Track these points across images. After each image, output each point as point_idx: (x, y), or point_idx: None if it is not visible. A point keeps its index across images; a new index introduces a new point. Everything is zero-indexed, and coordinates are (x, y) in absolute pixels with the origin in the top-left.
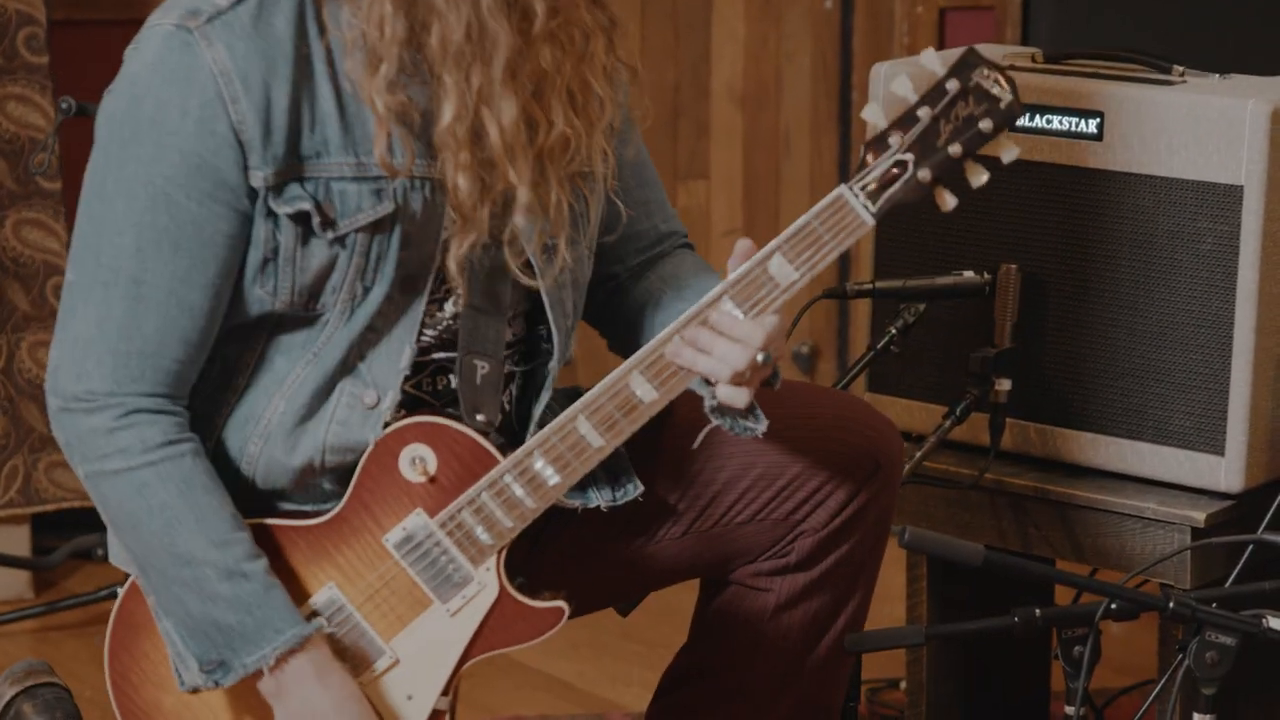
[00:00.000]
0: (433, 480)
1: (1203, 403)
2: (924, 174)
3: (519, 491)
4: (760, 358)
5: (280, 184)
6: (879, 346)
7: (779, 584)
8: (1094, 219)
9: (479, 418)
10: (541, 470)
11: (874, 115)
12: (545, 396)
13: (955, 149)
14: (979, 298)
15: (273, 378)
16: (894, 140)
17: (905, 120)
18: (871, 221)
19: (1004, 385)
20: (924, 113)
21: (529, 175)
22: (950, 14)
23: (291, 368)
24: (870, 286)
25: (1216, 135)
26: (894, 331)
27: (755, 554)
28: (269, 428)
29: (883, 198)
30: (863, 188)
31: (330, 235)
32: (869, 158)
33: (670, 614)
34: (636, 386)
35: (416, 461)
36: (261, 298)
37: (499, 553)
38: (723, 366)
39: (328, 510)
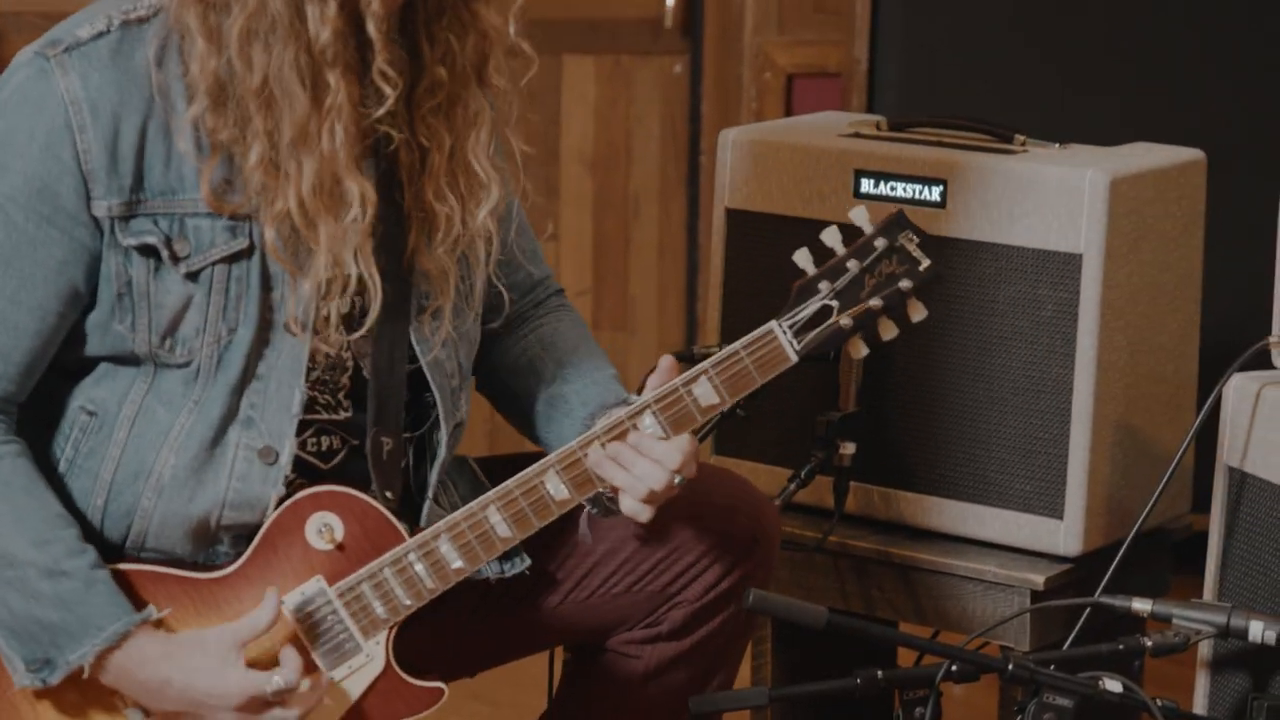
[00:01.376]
0: (339, 548)
1: (1043, 467)
2: (845, 321)
3: (420, 570)
4: (676, 480)
5: (126, 216)
6: (725, 410)
7: (648, 652)
8: (937, 285)
9: (388, 495)
10: (446, 554)
11: (804, 261)
12: (438, 466)
13: (875, 302)
14: (824, 361)
15: (156, 429)
16: (823, 286)
17: (834, 270)
18: (795, 359)
19: (848, 449)
20: (852, 265)
21: (335, 243)
22: (798, 80)
23: (174, 418)
24: (717, 349)
25: (1056, 204)
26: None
27: (629, 623)
28: (160, 481)
29: (808, 337)
30: (790, 325)
31: (183, 270)
32: (797, 297)
33: (517, 673)
34: (550, 485)
35: (324, 529)
36: (122, 334)
37: (391, 628)
38: (640, 485)
39: (224, 568)
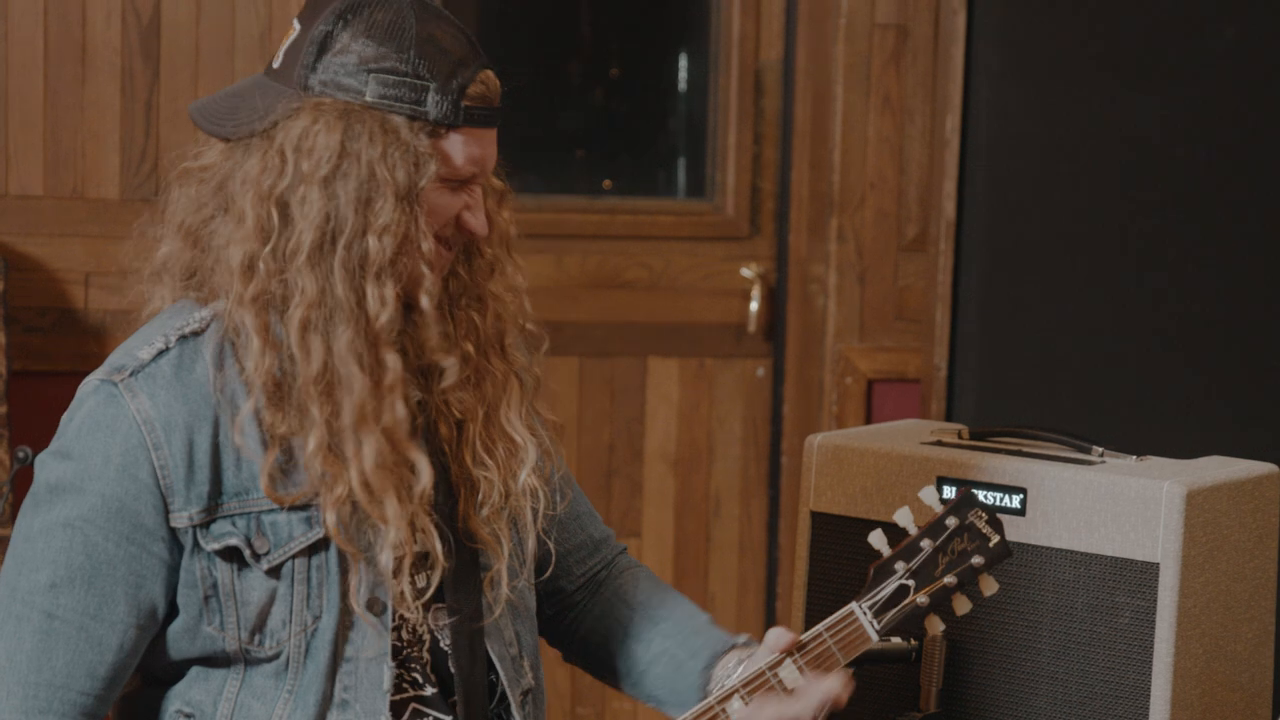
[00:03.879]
0: None
1: None
2: (922, 600)
3: None
4: None
5: (207, 522)
6: None
7: None
8: (1016, 590)
9: None
10: None
11: (879, 542)
12: None
13: (950, 579)
14: (906, 663)
15: None
16: (899, 567)
17: (909, 550)
18: (876, 638)
19: None
20: (926, 544)
21: (400, 519)
22: (878, 385)
23: (271, 710)
24: None
25: (1134, 514)
26: None
27: None
28: None
29: (887, 616)
30: (870, 606)
31: (265, 566)
32: (875, 578)
33: None
34: None
35: None
36: (212, 635)
37: None
38: None
39: None
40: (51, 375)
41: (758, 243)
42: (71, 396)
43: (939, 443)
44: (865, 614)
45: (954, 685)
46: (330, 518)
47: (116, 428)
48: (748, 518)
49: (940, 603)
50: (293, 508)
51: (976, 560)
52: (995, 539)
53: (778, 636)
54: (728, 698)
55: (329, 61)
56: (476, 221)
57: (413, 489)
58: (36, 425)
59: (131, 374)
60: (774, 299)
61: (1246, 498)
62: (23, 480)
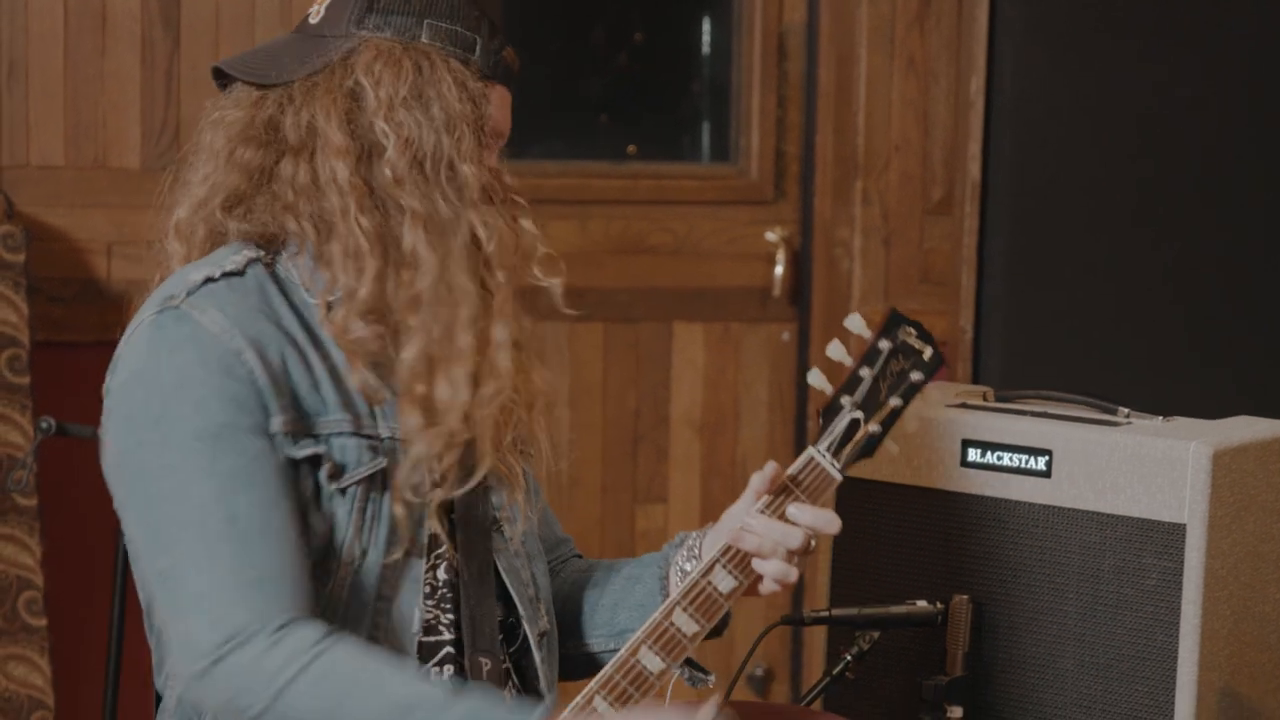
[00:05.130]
0: None
1: None
2: (875, 428)
3: None
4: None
5: (293, 433)
6: (835, 672)
7: None
8: (1043, 553)
9: None
10: None
11: (819, 381)
12: (542, 678)
13: (896, 401)
14: (931, 626)
15: None
16: (845, 402)
17: (851, 383)
18: (840, 477)
19: (955, 713)
20: (865, 373)
21: (486, 435)
22: None
23: None
24: (826, 614)
25: (1160, 475)
26: (849, 658)
27: None
28: None
29: (844, 453)
30: (827, 448)
31: (335, 487)
32: (826, 419)
33: None
34: (645, 659)
35: None
36: None
37: None
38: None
39: None
40: (74, 346)
41: (782, 206)
42: (95, 367)
43: (964, 405)
44: (825, 456)
45: (980, 649)
46: (412, 417)
47: (198, 339)
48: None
49: (891, 426)
50: (360, 434)
51: (915, 376)
52: (929, 351)
53: (742, 508)
54: (709, 569)
55: (380, 10)
56: (513, 181)
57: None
58: (59, 396)
59: (189, 294)
60: (799, 263)
61: (1274, 458)
62: (47, 450)
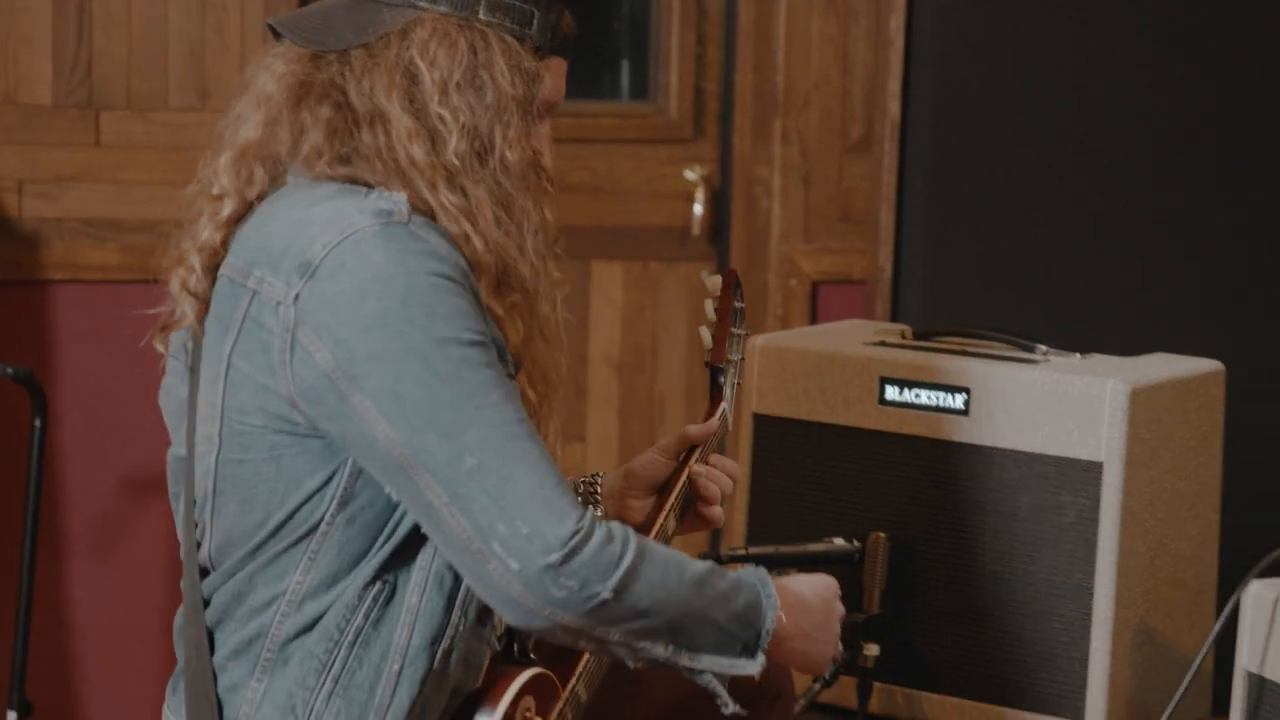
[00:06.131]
0: None
1: (1064, 670)
2: (736, 381)
3: (570, 717)
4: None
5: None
6: None
7: None
8: (961, 491)
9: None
10: (580, 692)
11: (707, 337)
12: None
13: (739, 356)
14: (849, 564)
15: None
16: (732, 359)
17: (731, 342)
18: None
19: (872, 650)
20: (735, 331)
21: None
22: (823, 287)
23: (457, 586)
24: (744, 552)
25: (1078, 413)
26: None
27: None
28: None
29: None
30: (728, 410)
31: None
32: (719, 376)
33: None
34: None
35: (527, 714)
36: None
37: None
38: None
39: None
40: None
41: (702, 145)
42: (5, 304)
43: (882, 343)
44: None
45: (898, 586)
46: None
47: (436, 254)
48: (692, 421)
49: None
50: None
51: (743, 331)
52: (741, 304)
53: (660, 456)
54: (665, 513)
55: None
56: (549, 160)
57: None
58: None
59: (409, 218)
60: (718, 202)
61: (1191, 395)
62: None
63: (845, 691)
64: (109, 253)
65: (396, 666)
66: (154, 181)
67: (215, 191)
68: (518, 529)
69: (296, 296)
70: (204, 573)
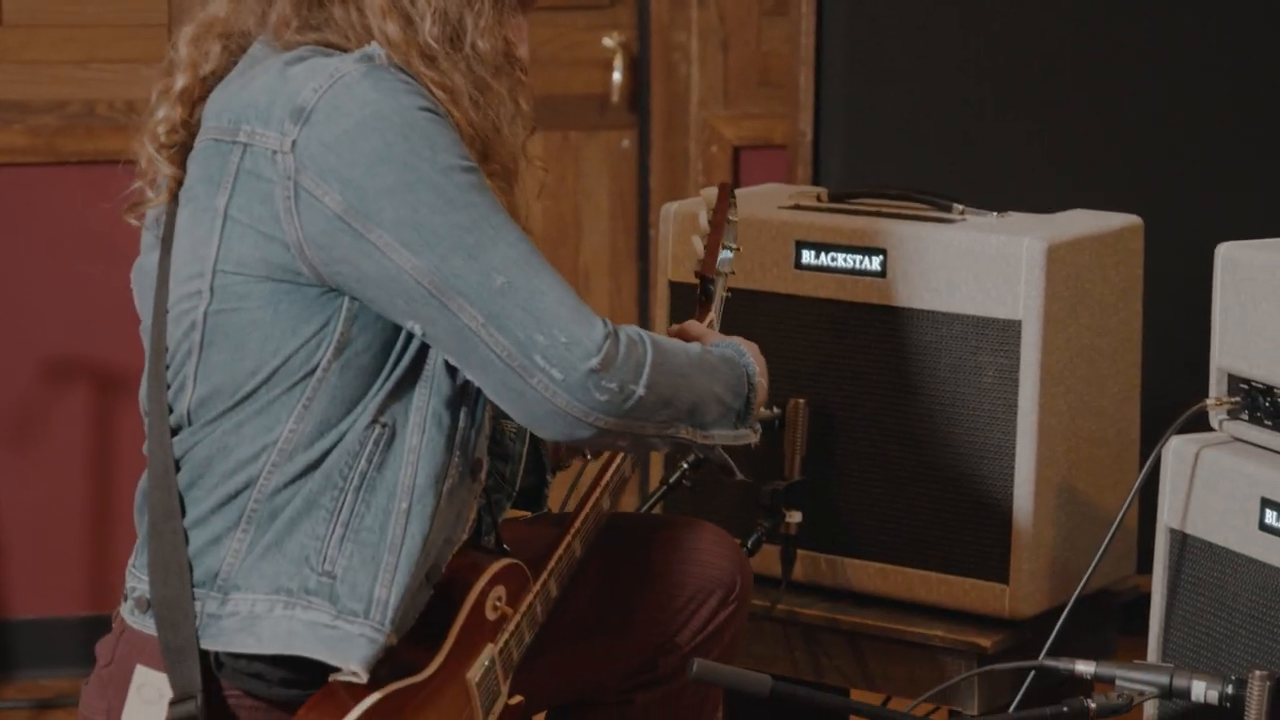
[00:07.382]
0: (501, 616)
1: (987, 532)
2: (726, 294)
3: (539, 610)
4: None
5: None
6: (671, 480)
7: (641, 698)
8: (879, 354)
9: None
10: (551, 587)
11: (699, 247)
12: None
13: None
14: (769, 431)
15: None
16: (723, 269)
17: (721, 261)
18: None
19: (794, 517)
20: (728, 243)
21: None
22: (744, 153)
23: (457, 426)
24: None
25: (995, 271)
26: (685, 466)
27: (625, 673)
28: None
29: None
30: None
31: None
32: (709, 287)
33: None
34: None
35: (497, 604)
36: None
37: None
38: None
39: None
40: None
41: (619, 10)
42: None
43: (797, 206)
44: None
45: (818, 452)
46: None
47: (418, 91)
48: (617, 290)
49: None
50: None
51: (735, 243)
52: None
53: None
54: None
55: None
56: (524, 51)
57: None
58: None
59: (389, 62)
60: (637, 68)
61: (1109, 251)
62: None
63: (769, 560)
64: (14, 135)
65: (405, 505)
66: (59, 61)
67: (169, 62)
68: (556, 338)
69: (293, 144)
70: (174, 432)
